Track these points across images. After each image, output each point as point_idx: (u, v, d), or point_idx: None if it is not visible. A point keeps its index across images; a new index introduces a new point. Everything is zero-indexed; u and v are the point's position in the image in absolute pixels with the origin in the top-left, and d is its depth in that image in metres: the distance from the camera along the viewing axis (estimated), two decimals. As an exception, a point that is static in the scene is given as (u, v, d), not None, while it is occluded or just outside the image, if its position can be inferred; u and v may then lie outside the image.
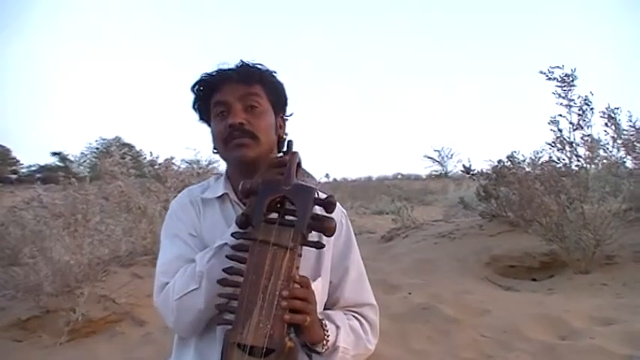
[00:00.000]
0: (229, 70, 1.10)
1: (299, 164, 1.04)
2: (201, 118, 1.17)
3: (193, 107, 1.16)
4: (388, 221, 9.32)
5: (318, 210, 0.94)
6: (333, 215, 0.94)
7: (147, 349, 3.17)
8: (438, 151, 27.20)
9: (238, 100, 1.07)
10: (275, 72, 1.14)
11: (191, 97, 1.15)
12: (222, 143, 1.08)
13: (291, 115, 1.20)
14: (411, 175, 30.06)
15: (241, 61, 1.12)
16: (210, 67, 1.12)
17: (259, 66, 1.12)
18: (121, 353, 3.16)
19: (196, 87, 1.13)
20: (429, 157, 27.41)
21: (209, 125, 1.15)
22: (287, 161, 1.00)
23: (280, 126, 1.16)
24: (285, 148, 1.15)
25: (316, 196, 0.94)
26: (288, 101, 1.19)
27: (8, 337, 3.37)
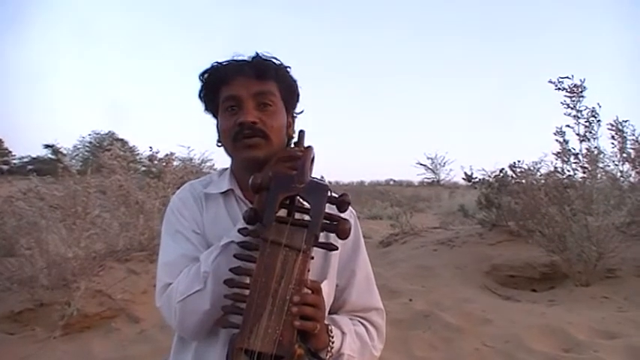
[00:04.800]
0: (243, 62, 1.05)
1: (312, 160, 0.98)
2: (207, 109, 1.11)
3: (199, 96, 1.10)
4: (383, 226, 9.30)
5: (328, 209, 0.89)
6: (344, 215, 0.90)
7: (142, 347, 3.12)
8: (431, 158, 27.23)
9: (251, 96, 1.02)
10: (289, 67, 1.09)
11: (198, 85, 1.09)
12: (231, 140, 1.03)
13: (301, 112, 1.15)
14: (403, 182, 30.14)
15: (256, 53, 1.06)
16: (223, 57, 1.06)
17: (274, 60, 1.06)
18: (116, 350, 3.11)
19: (205, 75, 1.07)
20: (421, 164, 27.44)
21: (214, 117, 1.10)
22: (298, 155, 0.96)
23: (290, 124, 1.11)
24: (295, 140, 1.08)
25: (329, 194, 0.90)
26: (300, 98, 1.14)
27: (0, 330, 3.31)
